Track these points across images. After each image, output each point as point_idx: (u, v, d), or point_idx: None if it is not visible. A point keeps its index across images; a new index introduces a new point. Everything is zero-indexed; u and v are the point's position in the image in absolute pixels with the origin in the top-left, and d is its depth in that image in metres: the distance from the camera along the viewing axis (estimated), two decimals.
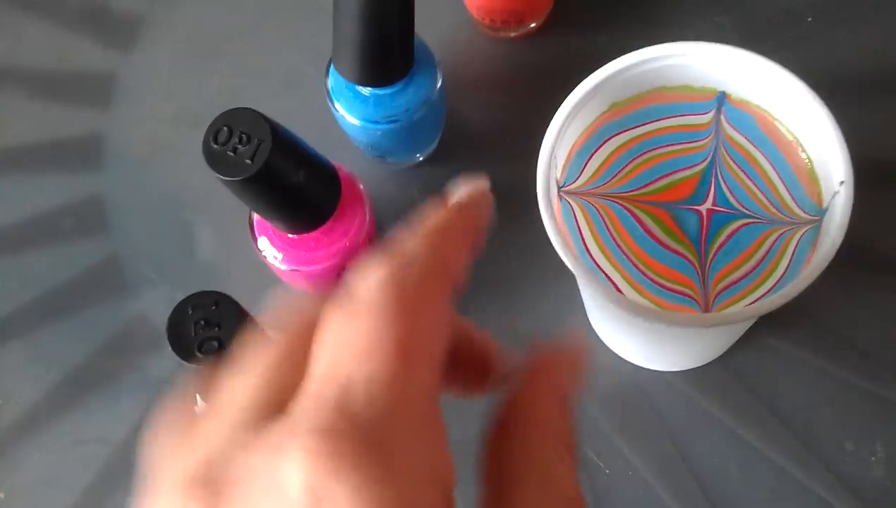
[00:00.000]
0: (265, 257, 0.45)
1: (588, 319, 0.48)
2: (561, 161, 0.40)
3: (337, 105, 0.47)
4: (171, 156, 0.53)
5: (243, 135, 0.38)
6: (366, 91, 0.46)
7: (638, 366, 0.47)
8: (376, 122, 0.46)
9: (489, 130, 0.53)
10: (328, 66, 0.47)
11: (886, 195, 0.49)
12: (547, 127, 0.39)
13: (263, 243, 0.45)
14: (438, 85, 0.47)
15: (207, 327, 0.36)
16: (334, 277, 0.46)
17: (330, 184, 0.43)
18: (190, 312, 0.36)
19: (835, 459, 0.45)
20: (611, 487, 0.46)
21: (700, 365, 0.47)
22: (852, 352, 0.47)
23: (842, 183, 0.37)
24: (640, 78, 0.40)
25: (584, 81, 0.40)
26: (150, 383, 0.49)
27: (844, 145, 0.37)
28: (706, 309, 0.38)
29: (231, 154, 0.38)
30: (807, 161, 0.39)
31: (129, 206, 0.53)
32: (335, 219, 0.44)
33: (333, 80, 0.47)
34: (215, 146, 0.38)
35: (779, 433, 0.46)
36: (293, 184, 0.40)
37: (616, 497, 0.46)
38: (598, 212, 0.40)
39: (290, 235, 0.44)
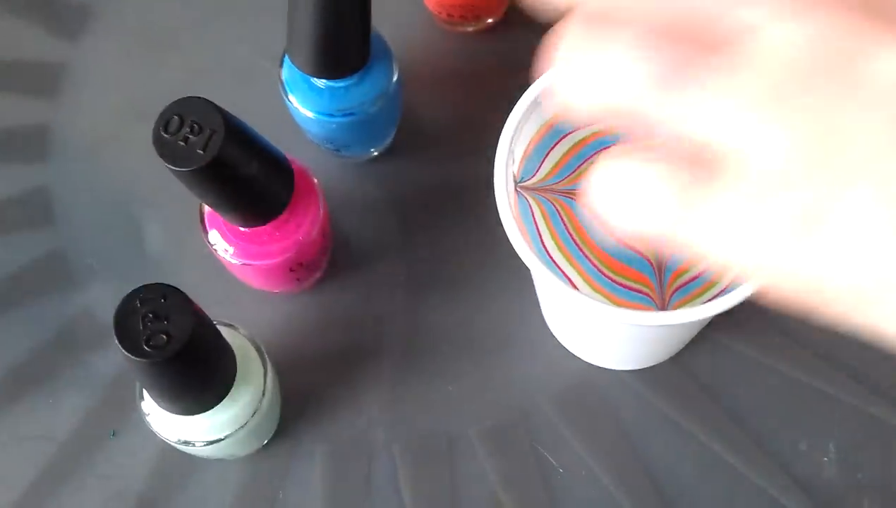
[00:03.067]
0: (216, 251, 0.44)
1: (543, 317, 0.48)
2: (518, 156, 0.40)
3: (291, 97, 0.46)
4: (120, 147, 0.52)
5: (195, 125, 0.37)
6: (321, 83, 0.45)
7: (593, 365, 0.47)
8: (331, 115, 0.46)
9: (445, 125, 0.52)
10: (283, 58, 0.46)
11: None
12: (504, 123, 0.39)
13: (214, 236, 0.44)
14: (395, 78, 0.46)
15: (156, 321, 0.35)
16: (287, 272, 0.45)
17: (283, 176, 0.42)
18: (138, 305, 0.35)
19: (789, 459, 0.45)
20: (565, 486, 0.45)
21: (655, 363, 0.47)
22: (806, 352, 0.47)
23: None
24: None
25: (540, 78, 0.39)
26: (95, 379, 0.48)
27: None
28: (662, 308, 0.38)
29: (182, 144, 0.37)
30: None
31: (75, 199, 0.51)
32: (288, 213, 0.43)
33: (288, 73, 0.46)
34: (166, 136, 0.37)
35: (733, 433, 0.46)
36: (246, 175, 0.39)
37: (570, 495, 0.45)
38: (556, 209, 0.39)
39: (242, 228, 0.43)
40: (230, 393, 0.40)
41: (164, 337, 0.35)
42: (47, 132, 0.53)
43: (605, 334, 0.42)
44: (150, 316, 0.35)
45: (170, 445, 0.45)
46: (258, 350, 0.42)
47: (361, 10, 0.43)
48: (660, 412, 0.46)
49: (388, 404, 0.47)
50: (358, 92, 0.46)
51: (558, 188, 0.40)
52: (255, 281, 0.47)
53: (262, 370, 0.42)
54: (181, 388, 0.38)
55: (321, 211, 0.44)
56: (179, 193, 0.45)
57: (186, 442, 0.41)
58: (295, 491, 0.46)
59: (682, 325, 0.40)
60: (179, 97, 0.38)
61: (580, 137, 0.40)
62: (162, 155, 0.37)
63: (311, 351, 0.48)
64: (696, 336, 0.46)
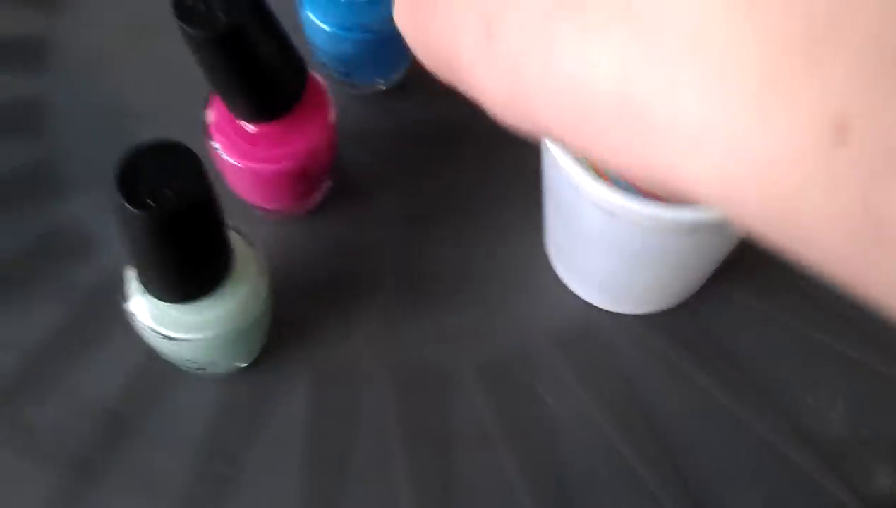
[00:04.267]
0: (220, 154, 0.42)
1: (549, 257, 0.46)
2: None
3: (308, 11, 0.45)
4: (121, 61, 0.51)
5: None
6: None
7: (598, 308, 0.46)
8: (349, 30, 0.44)
9: None
10: None
11: None
12: None
13: (220, 140, 0.42)
14: None
15: (162, 175, 0.33)
16: (292, 181, 0.43)
17: (297, 67, 0.40)
18: (145, 158, 0.33)
19: (795, 412, 0.44)
20: (562, 428, 0.43)
21: (663, 305, 0.45)
22: (820, 310, 0.46)
23: None
24: None
25: None
26: (70, 292, 0.46)
27: None
28: None
29: (203, 7, 0.35)
30: None
31: (69, 111, 0.50)
32: (298, 115, 0.42)
33: None
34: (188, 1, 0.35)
35: (738, 382, 0.44)
36: (264, 54, 0.37)
37: (566, 437, 0.43)
38: None
39: (250, 126, 0.41)
40: (225, 285, 0.38)
41: (169, 192, 0.33)
42: (46, 44, 0.51)
43: (615, 257, 0.41)
44: (157, 170, 0.33)
45: (145, 361, 0.43)
46: (254, 252, 0.40)
47: None
48: (664, 358, 0.45)
49: (382, 333, 0.45)
50: (379, 8, 0.44)
51: None
52: (255, 194, 0.45)
53: (257, 271, 0.40)
54: (178, 261, 0.36)
55: (331, 120, 0.43)
56: (179, 109, 0.44)
57: (172, 339, 0.39)
58: (276, 416, 0.44)
59: (709, 246, 0.38)
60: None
61: None
62: (180, 17, 0.35)
63: (304, 277, 0.46)
64: (704, 285, 0.45)
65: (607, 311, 0.46)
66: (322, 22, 0.45)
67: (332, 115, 0.43)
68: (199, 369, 0.43)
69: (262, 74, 0.38)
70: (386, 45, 0.46)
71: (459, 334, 0.45)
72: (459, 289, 0.46)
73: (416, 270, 0.47)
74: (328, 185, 0.47)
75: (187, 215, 0.33)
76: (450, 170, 0.49)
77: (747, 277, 0.46)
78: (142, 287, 0.38)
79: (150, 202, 0.33)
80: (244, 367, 0.44)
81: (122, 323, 0.40)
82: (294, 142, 0.42)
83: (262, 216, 0.47)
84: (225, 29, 0.35)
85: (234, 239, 0.39)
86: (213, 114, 0.42)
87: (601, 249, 0.41)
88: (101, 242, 0.47)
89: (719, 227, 0.36)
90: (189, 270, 0.36)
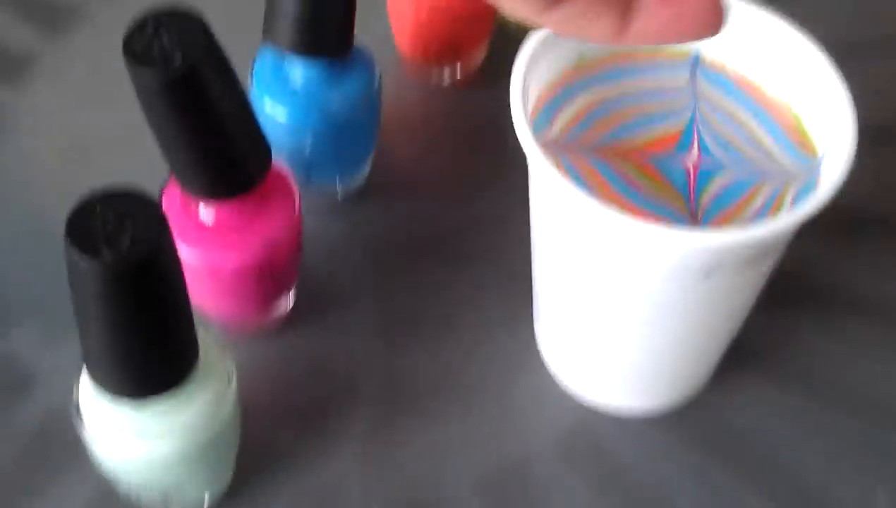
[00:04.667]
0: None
1: (540, 346, 0.42)
2: (529, 112, 0.36)
3: (264, 99, 0.42)
4: (54, 180, 0.47)
5: (173, 32, 0.32)
6: (297, 78, 0.41)
7: (604, 412, 0.41)
8: (307, 116, 0.41)
9: (421, 173, 0.48)
10: (253, 64, 0.42)
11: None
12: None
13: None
14: (375, 85, 0.43)
15: (118, 223, 0.29)
16: (257, 280, 0.39)
17: (260, 140, 0.37)
18: (97, 208, 0.29)
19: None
20: None
21: (677, 398, 0.41)
22: (843, 393, 0.42)
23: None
24: None
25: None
26: (13, 433, 0.40)
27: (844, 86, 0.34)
28: None
29: (156, 49, 0.32)
30: (793, 118, 0.36)
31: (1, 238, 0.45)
32: (260, 201, 0.38)
33: (260, 71, 0.42)
34: (138, 39, 0.32)
35: (768, 481, 0.39)
36: (223, 108, 0.34)
37: None
38: (574, 167, 0.35)
39: (206, 212, 0.37)
40: (189, 385, 0.33)
41: (128, 240, 0.28)
42: None
43: (621, 326, 0.36)
44: (111, 217, 0.29)
45: (99, 503, 0.37)
46: (221, 350, 0.35)
47: None
48: (682, 460, 0.40)
49: (367, 456, 0.40)
50: (336, 93, 0.42)
51: (576, 145, 0.35)
52: (215, 299, 0.40)
53: (225, 373, 0.35)
54: (135, 331, 0.30)
55: (297, 211, 0.39)
56: None
57: (129, 457, 0.33)
58: None
59: (719, 296, 0.35)
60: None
61: (592, 96, 0.37)
62: (131, 59, 0.32)
63: (277, 399, 0.41)
64: (713, 376, 0.41)
65: (613, 414, 0.41)
66: (278, 110, 0.41)
67: (298, 204, 0.39)
68: (162, 502, 0.36)
69: (221, 133, 0.34)
70: (346, 133, 0.43)
71: (450, 450, 0.40)
72: (446, 399, 0.41)
73: (398, 383, 0.42)
74: (293, 296, 0.42)
75: (146, 269, 0.29)
76: (421, 274, 0.45)
77: (758, 362, 0.42)
78: (95, 387, 0.32)
79: (107, 250, 0.28)
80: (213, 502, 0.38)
81: (73, 460, 0.36)
82: (257, 231, 0.38)
83: (225, 334, 0.42)
84: (179, 71, 0.31)
85: (200, 333, 0.34)
86: (166, 197, 0.38)
87: (605, 319, 0.36)
88: (42, 377, 0.41)
89: (736, 266, 0.33)
90: (148, 348, 0.31)
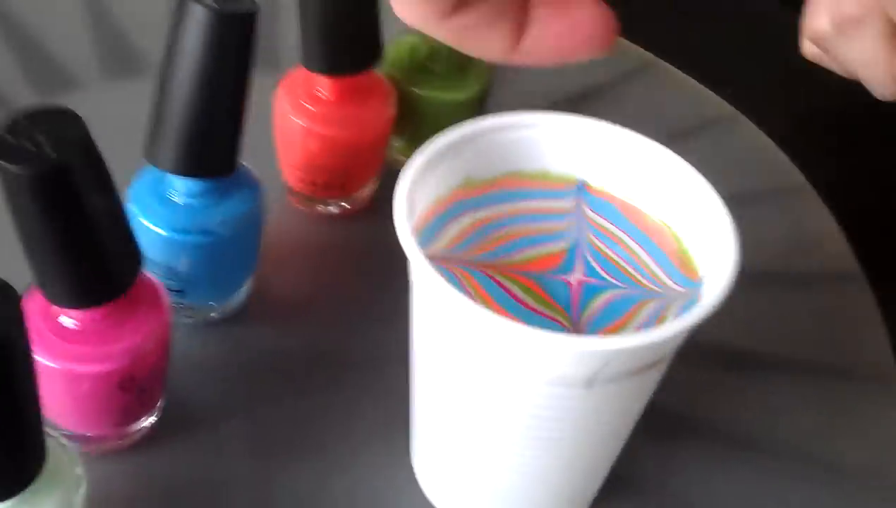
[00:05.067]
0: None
1: (416, 469, 0.40)
2: (413, 225, 0.35)
3: (141, 214, 0.40)
4: None
5: (50, 131, 0.31)
6: (179, 198, 0.40)
7: None
8: (186, 232, 0.40)
9: (301, 297, 0.47)
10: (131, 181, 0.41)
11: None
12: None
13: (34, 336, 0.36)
14: (258, 204, 0.42)
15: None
16: (117, 390, 0.36)
17: (131, 246, 0.35)
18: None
19: None
20: None
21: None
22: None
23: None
24: (496, 150, 0.37)
25: (435, 141, 0.36)
26: None
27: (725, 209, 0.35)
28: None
29: (29, 144, 0.31)
30: (675, 241, 0.36)
31: None
32: (126, 310, 0.36)
33: (137, 190, 0.41)
34: (10, 137, 0.31)
35: None
36: (94, 210, 0.32)
37: None
38: (458, 280, 0.34)
39: (68, 318, 0.35)
40: (33, 489, 0.30)
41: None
42: None
43: (495, 446, 0.35)
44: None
45: None
46: (71, 458, 0.33)
47: (235, 109, 0.39)
48: None
49: None
50: (218, 211, 0.41)
51: (461, 258, 0.35)
52: (71, 411, 0.37)
53: (73, 482, 0.32)
54: None
55: (167, 325, 0.37)
56: None
57: None
58: None
59: (601, 413, 0.34)
60: None
61: (480, 216, 0.36)
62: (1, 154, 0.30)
63: None
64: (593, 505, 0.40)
65: None
66: (155, 225, 0.40)
67: (167, 316, 0.38)
68: None
69: (91, 239, 0.33)
70: (224, 252, 0.41)
71: None
72: None
73: (266, 504, 0.39)
74: (156, 413, 0.40)
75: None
76: (296, 394, 0.43)
77: (636, 493, 0.41)
78: None
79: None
80: None
81: None
82: (120, 339, 0.36)
83: (83, 449, 0.39)
84: (51, 166, 0.30)
85: (49, 441, 0.32)
86: (26, 304, 0.36)
87: (483, 436, 0.35)
88: None
89: (617, 376, 0.32)
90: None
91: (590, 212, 0.37)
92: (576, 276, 0.35)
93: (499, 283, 0.34)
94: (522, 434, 0.35)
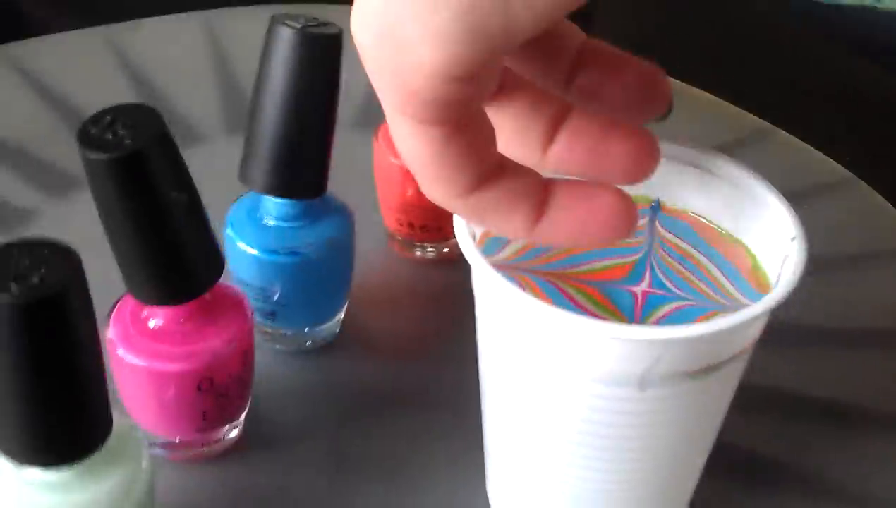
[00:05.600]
0: (114, 349, 0.37)
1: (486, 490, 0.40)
2: (477, 237, 0.36)
3: (233, 236, 0.42)
4: None
5: (128, 124, 0.33)
6: (271, 221, 0.42)
7: None
8: (275, 252, 0.42)
9: (388, 335, 0.48)
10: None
11: None
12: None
13: (115, 331, 0.38)
14: (348, 232, 0.43)
15: (31, 266, 0.29)
16: (194, 391, 0.38)
17: (211, 245, 0.37)
18: (14, 251, 0.29)
19: None
20: None
21: None
22: None
23: (793, 238, 0.33)
24: None
25: None
26: None
27: (788, 206, 0.34)
28: None
29: (109, 136, 0.33)
30: (750, 258, 0.35)
31: None
32: (209, 314, 0.38)
33: (235, 215, 0.43)
34: (93, 128, 0.33)
35: None
36: (172, 201, 0.34)
37: None
38: (521, 286, 0.34)
39: (153, 318, 0.37)
40: (98, 458, 0.32)
41: (37, 279, 0.28)
42: None
43: (555, 453, 0.34)
44: (27, 262, 0.29)
45: None
46: (139, 441, 0.34)
47: (322, 132, 0.41)
48: None
49: None
50: (309, 233, 0.42)
51: (526, 267, 0.35)
52: (153, 411, 0.39)
53: (139, 459, 0.34)
54: (43, 388, 0.29)
55: (249, 328, 0.39)
56: None
57: None
58: None
59: (664, 416, 0.33)
60: None
61: None
62: (81, 141, 0.33)
63: None
64: None
65: None
66: (248, 246, 0.42)
67: (249, 324, 0.39)
68: None
69: (168, 230, 0.35)
70: (312, 275, 0.43)
71: None
72: None
73: None
74: (239, 427, 0.41)
75: (57, 306, 0.28)
76: (374, 427, 0.43)
77: None
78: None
79: (14, 286, 0.28)
80: None
81: None
82: (201, 341, 0.37)
83: (162, 456, 0.40)
84: (127, 151, 0.32)
85: (116, 416, 0.33)
86: (118, 308, 0.38)
87: (545, 445, 0.35)
88: None
89: (672, 377, 0.31)
90: (55, 404, 0.30)
91: (662, 230, 0.37)
92: (641, 287, 0.35)
93: (561, 290, 0.34)
94: (579, 442, 0.34)
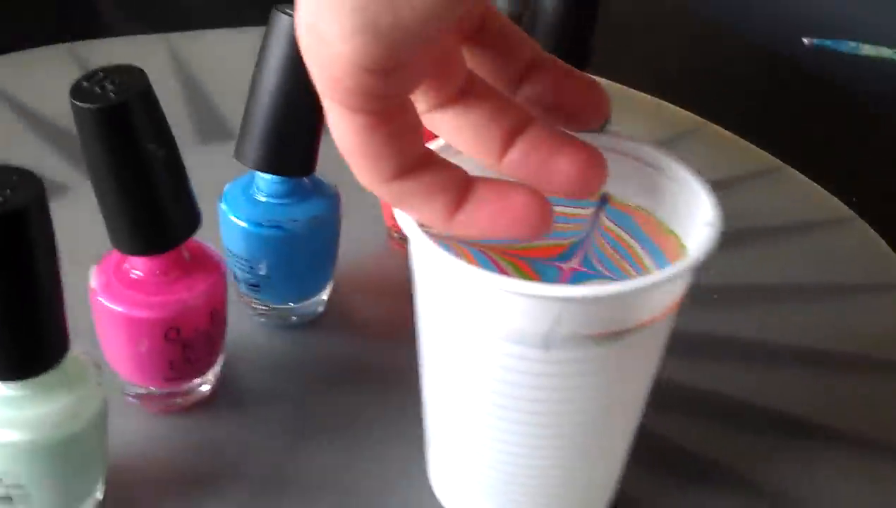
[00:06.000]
0: (94, 294, 0.41)
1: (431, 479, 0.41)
2: None
3: (226, 209, 0.46)
4: None
5: (118, 80, 0.37)
6: (261, 197, 0.45)
7: None
8: (259, 225, 0.45)
9: (372, 319, 0.50)
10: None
11: None
12: None
13: (97, 278, 0.41)
14: (334, 213, 0.46)
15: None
16: (162, 340, 0.41)
17: (187, 204, 0.40)
18: None
19: None
20: None
21: None
22: None
23: (708, 224, 0.35)
24: None
25: None
26: None
27: (711, 196, 0.35)
28: None
29: (97, 90, 0.37)
30: (680, 247, 0.37)
31: None
32: (184, 269, 0.41)
33: (229, 192, 0.46)
34: (85, 83, 0.37)
35: None
36: (150, 154, 0.38)
37: None
38: (455, 253, 0.36)
39: (134, 269, 0.41)
40: (53, 379, 0.35)
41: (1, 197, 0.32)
42: None
43: (474, 419, 0.36)
44: None
45: None
46: (95, 369, 0.37)
47: (312, 114, 0.44)
48: None
49: None
50: (294, 210, 0.45)
51: (464, 240, 0.37)
52: (126, 358, 0.42)
53: (93, 379, 0.37)
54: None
55: (220, 288, 0.42)
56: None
57: None
58: None
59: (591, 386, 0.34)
60: None
61: None
62: (72, 93, 0.36)
63: (163, 469, 0.42)
64: None
65: None
66: (238, 218, 0.45)
67: (221, 284, 0.42)
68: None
69: (147, 182, 0.38)
70: (295, 250, 0.46)
71: None
72: (329, 492, 0.42)
73: (286, 474, 0.42)
74: (212, 384, 0.44)
75: (13, 230, 0.32)
76: (342, 396, 0.46)
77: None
78: None
79: None
80: None
81: None
82: (172, 293, 0.41)
83: (136, 405, 0.43)
84: (111, 103, 0.36)
85: (75, 356, 0.37)
86: (104, 260, 0.42)
87: (462, 408, 0.37)
88: None
89: (575, 339, 0.33)
90: (13, 322, 0.34)
91: (607, 220, 0.39)
92: (570, 265, 0.37)
93: (493, 261, 0.37)
94: (499, 405, 0.36)
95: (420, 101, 0.33)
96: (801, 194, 0.60)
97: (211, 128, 0.62)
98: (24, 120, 0.61)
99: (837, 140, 0.70)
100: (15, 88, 0.64)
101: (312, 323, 0.49)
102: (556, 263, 0.37)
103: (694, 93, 0.69)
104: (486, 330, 0.34)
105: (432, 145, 0.37)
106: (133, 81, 0.37)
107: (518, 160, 0.33)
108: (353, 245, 0.50)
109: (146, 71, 0.38)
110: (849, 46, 0.66)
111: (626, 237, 0.38)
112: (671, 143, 0.62)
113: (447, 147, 0.35)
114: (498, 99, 0.33)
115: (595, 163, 0.33)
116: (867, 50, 0.66)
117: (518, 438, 0.37)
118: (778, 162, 0.62)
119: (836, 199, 0.59)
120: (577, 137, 0.33)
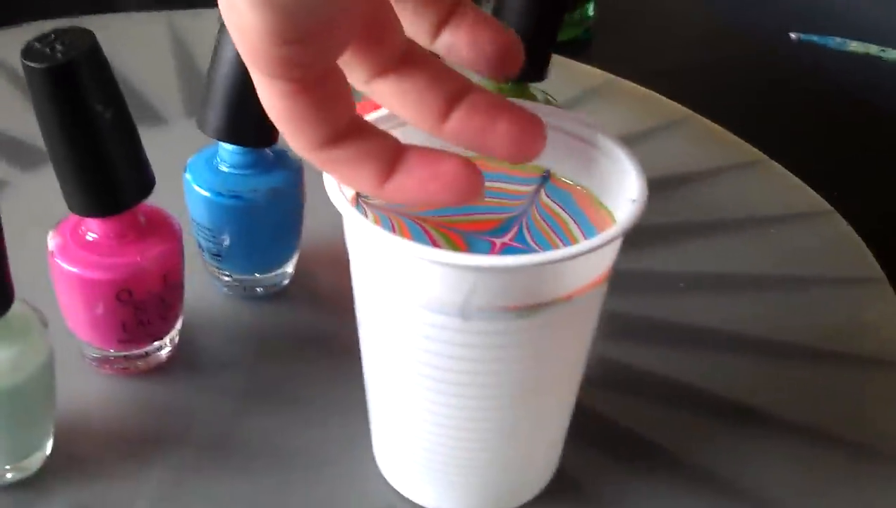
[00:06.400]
0: (54, 259, 0.42)
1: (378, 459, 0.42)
2: None
3: (190, 178, 0.47)
4: None
5: (68, 42, 0.38)
6: (224, 167, 0.46)
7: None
8: (223, 195, 0.46)
9: (337, 294, 0.51)
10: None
11: None
12: None
13: (55, 241, 0.42)
14: (297, 187, 0.47)
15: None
16: (114, 300, 0.42)
17: (140, 167, 0.41)
18: None
19: None
20: None
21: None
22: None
23: (633, 201, 0.35)
24: None
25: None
26: None
27: (641, 172, 0.36)
28: None
29: (47, 50, 0.38)
30: (611, 221, 0.37)
31: None
32: (141, 231, 0.42)
33: (193, 164, 0.47)
34: (37, 45, 0.38)
35: None
36: (98, 115, 0.39)
37: None
38: (391, 223, 0.37)
39: (90, 232, 0.42)
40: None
41: None
42: None
43: (404, 389, 0.37)
44: None
45: None
46: (43, 327, 0.39)
47: None
48: None
49: (169, 492, 0.41)
50: (255, 180, 0.46)
51: (400, 210, 0.38)
52: (81, 320, 0.43)
53: (39, 333, 0.38)
54: None
55: (174, 253, 0.43)
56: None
57: None
58: None
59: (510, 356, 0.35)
60: None
61: None
62: (23, 53, 0.38)
63: (111, 426, 0.43)
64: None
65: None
66: (201, 188, 0.46)
67: (176, 250, 0.43)
68: None
69: (96, 142, 0.39)
70: (256, 221, 0.47)
71: (252, 503, 0.40)
72: (270, 458, 0.43)
73: (227, 436, 0.43)
74: (170, 349, 0.45)
75: None
76: (297, 366, 0.47)
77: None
78: None
79: None
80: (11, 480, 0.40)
81: None
82: (125, 255, 0.42)
83: (95, 368, 0.45)
84: (59, 63, 0.37)
85: (22, 312, 0.38)
86: (61, 223, 0.43)
87: (391, 385, 0.37)
88: None
89: (491, 311, 0.33)
90: None
91: (545, 197, 0.39)
92: (503, 240, 0.37)
93: (427, 233, 0.37)
94: (426, 376, 0.36)
95: (357, 70, 0.34)
96: (780, 186, 0.60)
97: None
98: (20, 90, 0.63)
99: (823, 135, 0.69)
100: (15, 61, 0.66)
101: (278, 294, 0.50)
102: (489, 237, 0.37)
103: (687, 85, 0.69)
104: (407, 299, 0.34)
105: (376, 114, 0.38)
106: (81, 42, 0.38)
107: (458, 126, 0.33)
108: (321, 218, 0.50)
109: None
110: (835, 42, 0.66)
111: (561, 212, 0.38)
112: (653, 133, 0.62)
113: (391, 116, 0.36)
114: (437, 66, 0.33)
115: (534, 128, 0.33)
116: (854, 46, 0.65)
117: (448, 411, 0.37)
118: (760, 154, 0.62)
119: (813, 192, 0.59)
120: (517, 103, 0.33)
